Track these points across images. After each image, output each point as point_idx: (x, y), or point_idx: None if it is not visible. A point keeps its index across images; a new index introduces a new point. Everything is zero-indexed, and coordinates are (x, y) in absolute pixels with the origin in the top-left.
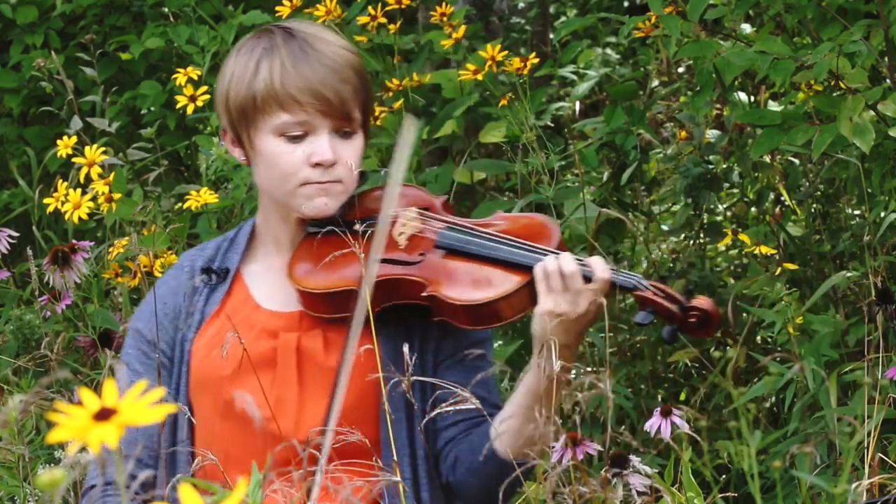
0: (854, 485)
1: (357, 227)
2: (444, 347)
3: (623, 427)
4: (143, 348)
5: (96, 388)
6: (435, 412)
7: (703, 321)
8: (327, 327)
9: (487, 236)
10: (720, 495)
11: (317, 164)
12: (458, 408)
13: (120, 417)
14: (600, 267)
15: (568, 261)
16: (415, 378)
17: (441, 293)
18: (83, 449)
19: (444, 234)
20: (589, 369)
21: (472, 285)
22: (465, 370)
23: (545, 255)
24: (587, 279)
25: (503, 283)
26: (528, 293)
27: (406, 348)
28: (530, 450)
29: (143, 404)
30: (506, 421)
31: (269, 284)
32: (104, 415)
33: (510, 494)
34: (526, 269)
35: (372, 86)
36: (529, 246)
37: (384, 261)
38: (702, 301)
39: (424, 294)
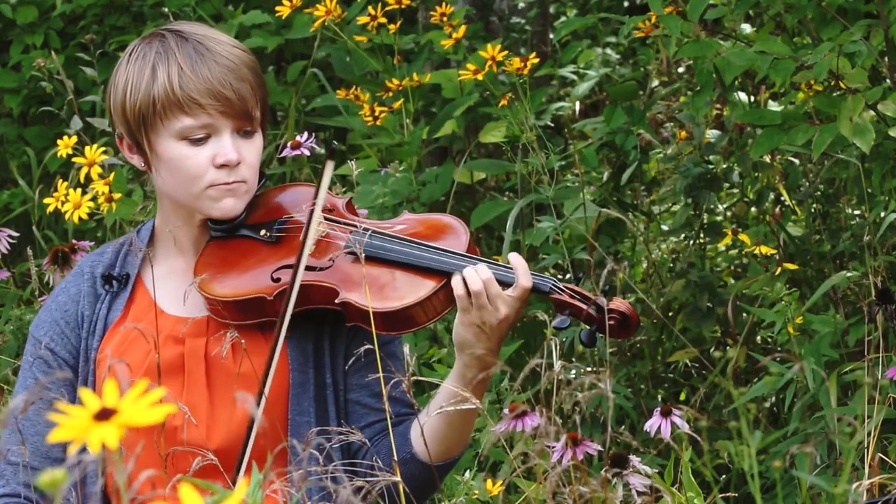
0: (855, 485)
1: (263, 233)
2: (354, 346)
3: (623, 427)
4: (44, 356)
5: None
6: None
7: (622, 323)
8: (227, 329)
9: (398, 240)
10: (720, 495)
11: (222, 166)
12: (370, 410)
13: (120, 418)
14: (521, 271)
15: (484, 269)
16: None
17: (354, 300)
18: (83, 449)
19: (353, 239)
20: (589, 369)
21: (384, 291)
22: (376, 368)
23: (458, 259)
24: (505, 284)
25: (417, 288)
26: (442, 297)
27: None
28: (450, 452)
29: (143, 404)
30: (426, 424)
31: (172, 288)
32: (104, 415)
33: (428, 495)
34: (439, 274)
35: (266, 83)
36: (440, 249)
37: (292, 267)
38: (618, 303)
39: (337, 301)
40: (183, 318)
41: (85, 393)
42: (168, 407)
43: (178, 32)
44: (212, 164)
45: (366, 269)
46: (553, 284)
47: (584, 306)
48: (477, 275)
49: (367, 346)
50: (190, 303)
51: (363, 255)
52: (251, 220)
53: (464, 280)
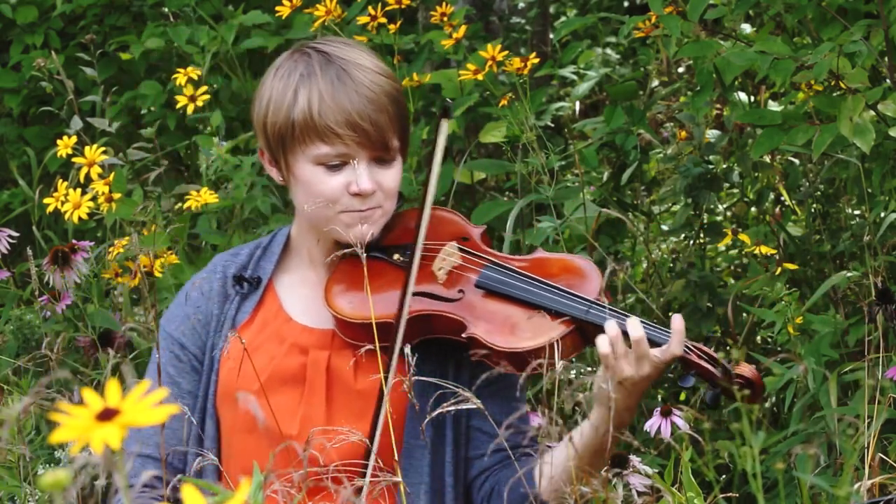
0: (857, 485)
1: (397, 257)
2: (479, 375)
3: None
4: (176, 351)
5: (97, 389)
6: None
7: (746, 388)
8: (358, 349)
9: (531, 280)
10: (721, 496)
11: (356, 194)
12: (494, 440)
13: (123, 418)
14: (677, 338)
15: (637, 328)
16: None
17: (482, 337)
18: (85, 449)
19: (486, 274)
20: (590, 369)
21: (514, 330)
22: (500, 401)
23: (589, 305)
24: (653, 343)
25: (548, 330)
26: (569, 343)
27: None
28: (569, 494)
29: (145, 405)
30: (554, 465)
31: (301, 297)
32: (107, 415)
33: None
34: (570, 319)
35: (406, 107)
36: (575, 296)
37: (422, 294)
38: (744, 368)
39: (464, 335)
40: (310, 328)
41: (86, 392)
42: (170, 408)
43: (324, 54)
44: (346, 191)
45: (496, 305)
46: (687, 346)
47: (710, 368)
48: (629, 328)
49: (491, 375)
50: (318, 314)
51: (484, 280)
52: (386, 242)
53: (610, 332)
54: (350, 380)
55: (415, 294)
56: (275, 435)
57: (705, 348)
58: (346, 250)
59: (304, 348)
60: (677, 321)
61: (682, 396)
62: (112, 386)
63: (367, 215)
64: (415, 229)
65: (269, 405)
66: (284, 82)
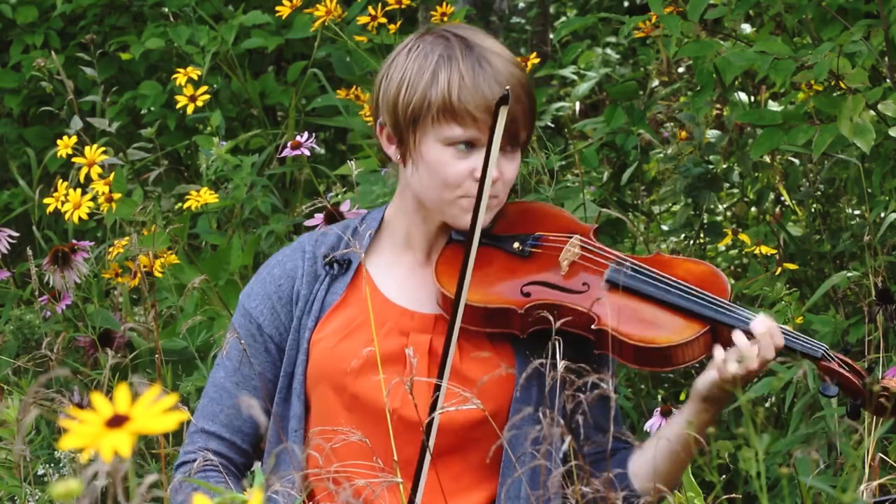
0: (862, 487)
1: (517, 245)
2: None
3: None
4: (252, 331)
5: (97, 389)
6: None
7: (892, 403)
8: (464, 336)
9: (664, 278)
10: (725, 497)
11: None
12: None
13: (132, 425)
14: (776, 332)
15: (778, 334)
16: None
17: (614, 329)
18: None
19: (615, 269)
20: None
21: (646, 327)
22: (599, 403)
23: (722, 308)
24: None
25: (681, 330)
26: (702, 344)
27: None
28: (657, 491)
29: (156, 411)
30: (648, 462)
31: (398, 279)
32: (117, 422)
33: None
34: (703, 320)
35: (536, 106)
36: (709, 296)
37: (544, 284)
38: (890, 382)
39: (593, 327)
40: (410, 310)
41: (96, 398)
42: (180, 415)
43: (462, 39)
44: (471, 176)
45: (624, 302)
46: (825, 352)
47: (852, 377)
48: (769, 329)
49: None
50: (418, 297)
51: (613, 275)
52: (496, 231)
53: (757, 329)
54: (454, 361)
55: (535, 283)
56: (376, 411)
57: (846, 358)
58: (455, 235)
59: (404, 331)
60: (765, 324)
61: (683, 396)
62: (122, 392)
63: (487, 203)
64: (546, 224)
65: (367, 386)
66: (421, 62)
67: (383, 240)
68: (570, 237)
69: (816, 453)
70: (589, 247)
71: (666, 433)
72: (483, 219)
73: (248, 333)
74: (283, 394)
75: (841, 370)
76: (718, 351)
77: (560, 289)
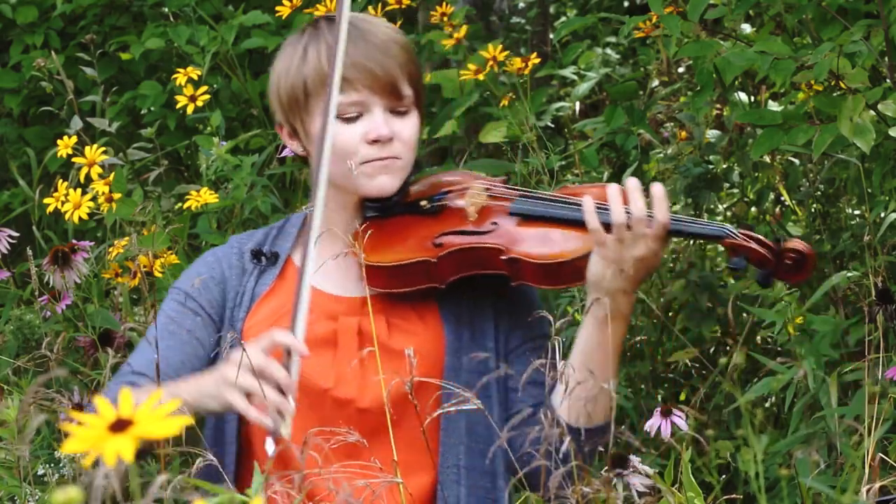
0: (866, 488)
1: (423, 203)
2: (512, 339)
3: (623, 427)
4: (179, 299)
5: (96, 388)
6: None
7: (799, 263)
8: (390, 312)
9: (565, 199)
10: (724, 497)
11: (374, 141)
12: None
13: (136, 429)
14: (661, 206)
15: (636, 203)
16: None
17: (522, 253)
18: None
19: (519, 200)
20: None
21: (554, 244)
22: (529, 360)
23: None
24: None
25: (583, 240)
26: None
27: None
28: (595, 413)
29: (159, 415)
30: (563, 385)
31: (325, 269)
32: (120, 426)
33: (592, 457)
34: (606, 227)
35: (419, 63)
36: (607, 205)
37: (455, 233)
38: (796, 243)
39: (504, 258)
40: (337, 296)
41: (100, 401)
42: (184, 419)
43: (330, 18)
44: (364, 140)
45: (532, 230)
46: (728, 231)
47: (759, 249)
48: (620, 208)
49: (528, 336)
50: (345, 284)
51: (517, 206)
52: (407, 200)
53: (614, 213)
54: (383, 337)
55: (447, 233)
56: (310, 392)
57: (752, 233)
58: (368, 213)
59: (332, 315)
60: (657, 188)
61: (683, 396)
62: (125, 396)
63: (387, 164)
64: (456, 182)
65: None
66: (293, 48)
67: (308, 235)
68: (473, 184)
69: (817, 454)
70: (493, 189)
71: (578, 340)
72: (388, 182)
73: (176, 303)
74: None
75: (747, 243)
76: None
77: (469, 233)
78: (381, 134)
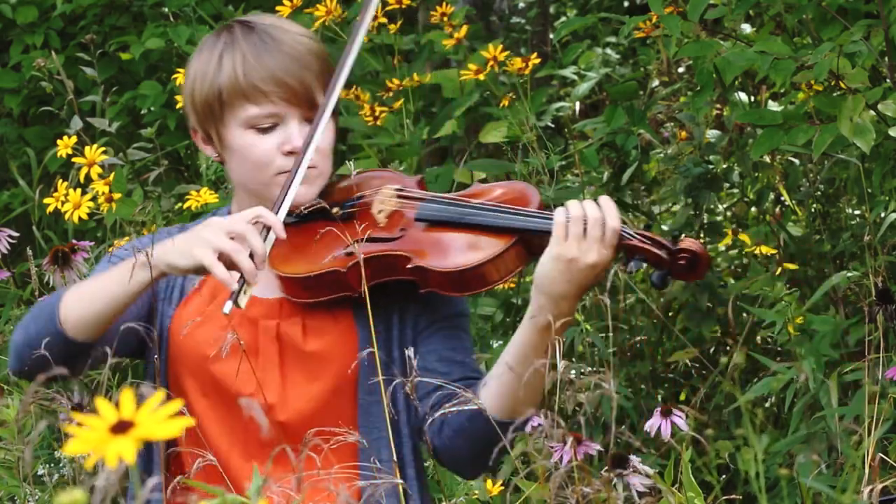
0: (868, 489)
1: (336, 210)
2: (423, 318)
3: (623, 427)
4: (115, 262)
5: (95, 389)
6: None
7: (692, 263)
8: (306, 314)
9: (467, 204)
10: (724, 498)
11: (290, 153)
12: (437, 378)
13: (138, 431)
14: (611, 213)
15: (592, 206)
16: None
17: (427, 263)
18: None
19: (424, 206)
20: (590, 369)
21: (457, 252)
22: (444, 337)
23: (530, 217)
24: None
25: (489, 246)
26: (514, 254)
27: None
28: (520, 409)
29: (161, 416)
30: (494, 379)
31: None
32: (121, 428)
33: (488, 458)
34: (510, 232)
35: (333, 69)
36: (513, 209)
37: (365, 240)
38: (689, 243)
39: (410, 266)
40: (258, 297)
41: (101, 403)
42: (186, 420)
43: (245, 23)
44: (280, 152)
45: (438, 234)
46: (628, 232)
47: (655, 250)
48: (581, 207)
49: (437, 315)
50: (264, 284)
51: (422, 212)
52: (313, 209)
53: (570, 210)
54: (300, 343)
55: (357, 241)
56: (229, 397)
57: (647, 232)
58: (284, 218)
59: (253, 319)
60: (605, 200)
61: (683, 396)
62: (126, 397)
63: (304, 175)
64: (370, 186)
65: (223, 372)
66: (208, 55)
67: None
68: (382, 189)
69: (819, 456)
70: (404, 194)
71: (515, 337)
72: (304, 192)
73: (110, 264)
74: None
75: (643, 244)
76: (560, 217)
77: (379, 240)
78: (295, 146)
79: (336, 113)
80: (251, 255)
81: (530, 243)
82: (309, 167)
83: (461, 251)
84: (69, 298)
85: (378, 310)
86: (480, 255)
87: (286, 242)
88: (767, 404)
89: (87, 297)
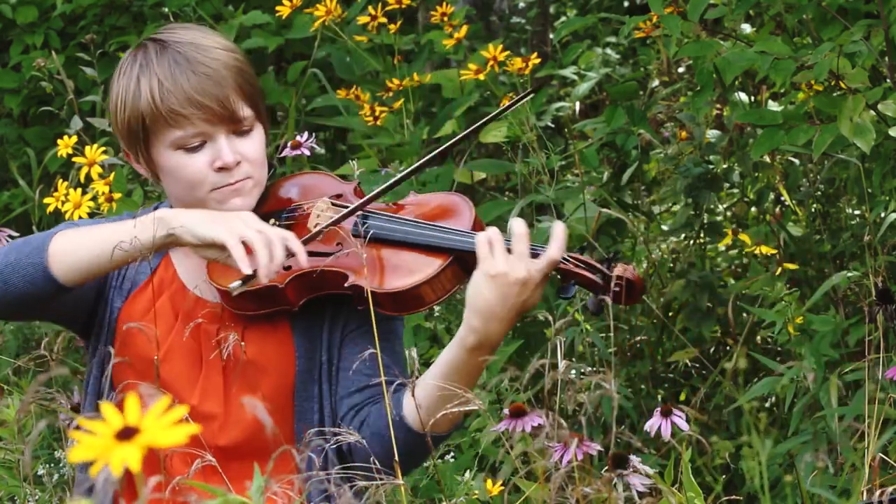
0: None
1: (272, 221)
2: (353, 320)
3: (623, 427)
4: None
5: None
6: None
7: (628, 290)
8: (246, 322)
9: (403, 221)
10: (725, 499)
11: (221, 169)
12: (360, 377)
13: (143, 437)
14: (557, 243)
15: (518, 223)
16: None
17: (363, 283)
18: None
19: (360, 220)
20: (590, 369)
21: (393, 272)
22: (371, 339)
23: (465, 236)
24: (534, 256)
25: (424, 267)
26: (449, 274)
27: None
28: (439, 425)
29: (166, 423)
30: (421, 391)
31: (194, 268)
32: (127, 434)
33: (412, 465)
34: (446, 252)
35: (254, 75)
36: (447, 228)
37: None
38: (623, 269)
39: (347, 284)
40: (203, 299)
41: (106, 408)
42: (191, 427)
43: (159, 42)
44: (210, 168)
45: (374, 251)
46: (564, 257)
47: (589, 275)
48: (512, 225)
49: (361, 322)
50: (208, 286)
51: (359, 229)
52: (261, 211)
53: (490, 234)
54: (238, 350)
55: (292, 255)
56: (171, 397)
57: (582, 256)
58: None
59: (197, 324)
60: (558, 227)
61: (683, 396)
62: (132, 402)
63: (238, 188)
64: (305, 193)
65: (170, 375)
66: (127, 78)
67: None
68: (318, 202)
69: (824, 458)
70: (339, 206)
71: (441, 357)
72: (241, 204)
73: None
74: (91, 355)
75: (578, 270)
76: (482, 240)
77: (316, 254)
78: (226, 162)
79: (263, 119)
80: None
81: (466, 262)
82: (241, 180)
83: (398, 270)
84: (65, 237)
85: (314, 319)
86: (417, 276)
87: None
88: (767, 404)
89: (86, 242)
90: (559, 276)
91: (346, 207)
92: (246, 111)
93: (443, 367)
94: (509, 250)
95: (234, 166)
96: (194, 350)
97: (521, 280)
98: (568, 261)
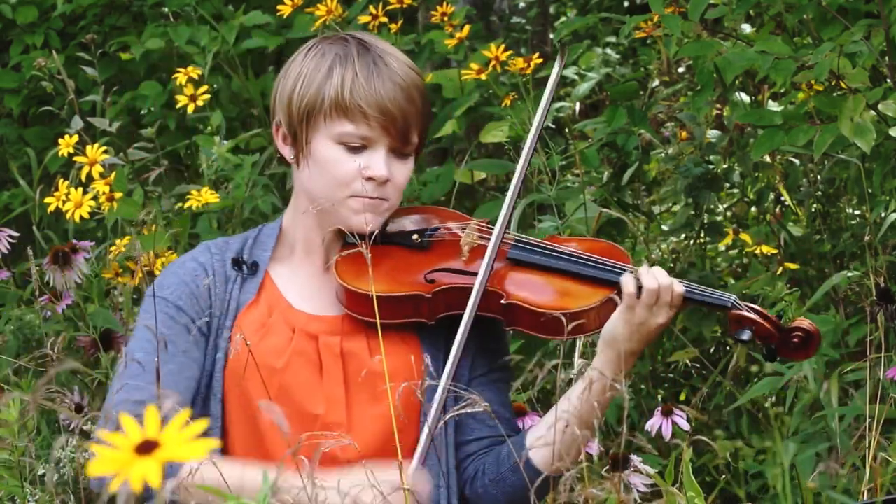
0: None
1: (416, 237)
2: (480, 362)
3: (625, 427)
4: (171, 313)
5: (97, 388)
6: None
7: (805, 341)
8: (369, 333)
9: (557, 251)
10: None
11: (369, 178)
12: (481, 426)
13: (163, 452)
14: (676, 282)
15: (662, 273)
16: (453, 386)
17: (525, 300)
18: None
19: (518, 246)
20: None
21: (555, 294)
22: (498, 391)
23: (625, 270)
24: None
25: (588, 295)
26: (611, 308)
27: (428, 358)
28: (564, 463)
29: (186, 436)
30: (546, 430)
31: (300, 286)
32: (146, 448)
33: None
34: (607, 285)
35: (431, 112)
36: (605, 261)
37: (448, 270)
38: (803, 322)
39: (503, 302)
40: (316, 315)
41: (125, 420)
42: (211, 442)
43: (361, 41)
44: (360, 175)
45: (528, 276)
46: (734, 301)
47: (764, 322)
48: (653, 276)
49: (491, 365)
50: (321, 302)
51: (515, 253)
52: (393, 230)
53: (637, 280)
54: (367, 360)
55: (439, 270)
56: (302, 415)
57: (758, 307)
58: (349, 239)
59: (312, 335)
60: (657, 271)
61: (683, 396)
62: (151, 415)
63: (376, 204)
64: (440, 220)
65: (293, 384)
66: (318, 60)
67: (283, 248)
68: (468, 224)
69: (834, 465)
70: (486, 227)
71: (572, 393)
72: (370, 220)
73: (167, 317)
74: (203, 394)
75: (753, 317)
76: (629, 287)
77: (464, 273)
78: (378, 174)
79: (418, 153)
80: None
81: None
82: (381, 199)
83: (558, 295)
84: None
85: (439, 340)
86: (581, 302)
87: (353, 260)
88: (767, 404)
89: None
90: (730, 322)
91: (491, 229)
92: (415, 137)
93: (574, 400)
94: (656, 298)
95: (382, 182)
96: (315, 361)
97: (662, 324)
98: (741, 307)
